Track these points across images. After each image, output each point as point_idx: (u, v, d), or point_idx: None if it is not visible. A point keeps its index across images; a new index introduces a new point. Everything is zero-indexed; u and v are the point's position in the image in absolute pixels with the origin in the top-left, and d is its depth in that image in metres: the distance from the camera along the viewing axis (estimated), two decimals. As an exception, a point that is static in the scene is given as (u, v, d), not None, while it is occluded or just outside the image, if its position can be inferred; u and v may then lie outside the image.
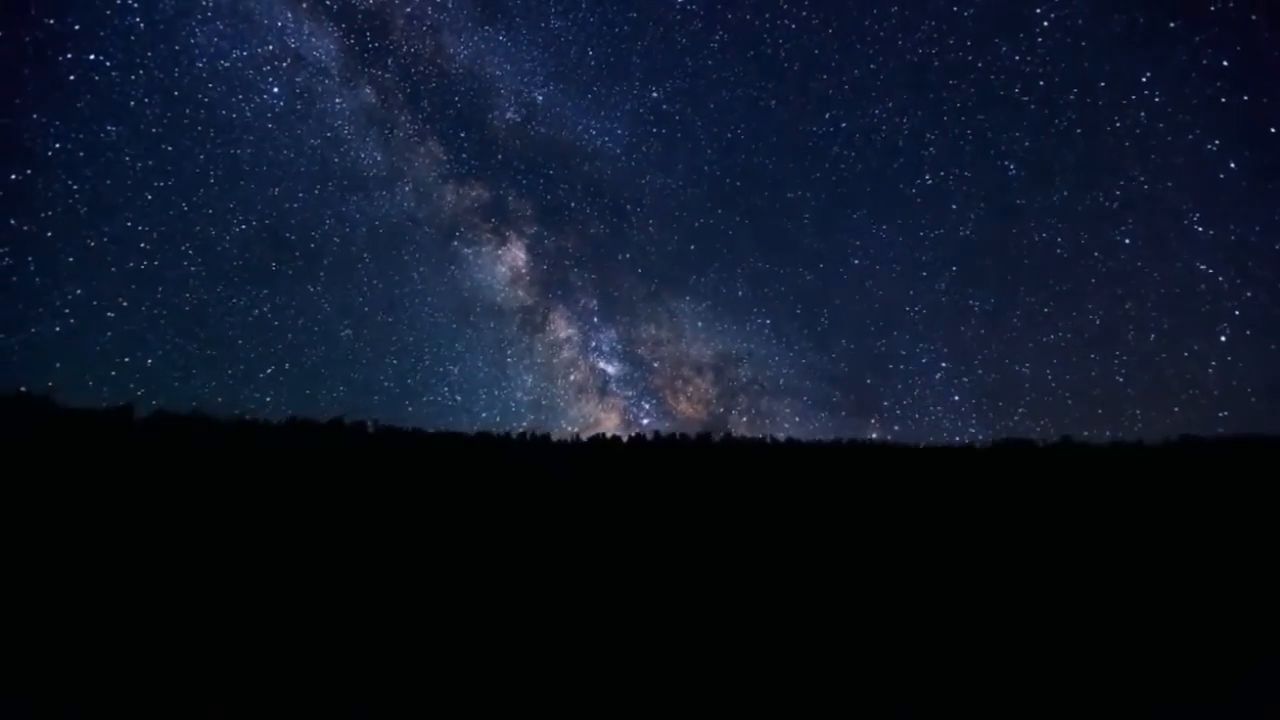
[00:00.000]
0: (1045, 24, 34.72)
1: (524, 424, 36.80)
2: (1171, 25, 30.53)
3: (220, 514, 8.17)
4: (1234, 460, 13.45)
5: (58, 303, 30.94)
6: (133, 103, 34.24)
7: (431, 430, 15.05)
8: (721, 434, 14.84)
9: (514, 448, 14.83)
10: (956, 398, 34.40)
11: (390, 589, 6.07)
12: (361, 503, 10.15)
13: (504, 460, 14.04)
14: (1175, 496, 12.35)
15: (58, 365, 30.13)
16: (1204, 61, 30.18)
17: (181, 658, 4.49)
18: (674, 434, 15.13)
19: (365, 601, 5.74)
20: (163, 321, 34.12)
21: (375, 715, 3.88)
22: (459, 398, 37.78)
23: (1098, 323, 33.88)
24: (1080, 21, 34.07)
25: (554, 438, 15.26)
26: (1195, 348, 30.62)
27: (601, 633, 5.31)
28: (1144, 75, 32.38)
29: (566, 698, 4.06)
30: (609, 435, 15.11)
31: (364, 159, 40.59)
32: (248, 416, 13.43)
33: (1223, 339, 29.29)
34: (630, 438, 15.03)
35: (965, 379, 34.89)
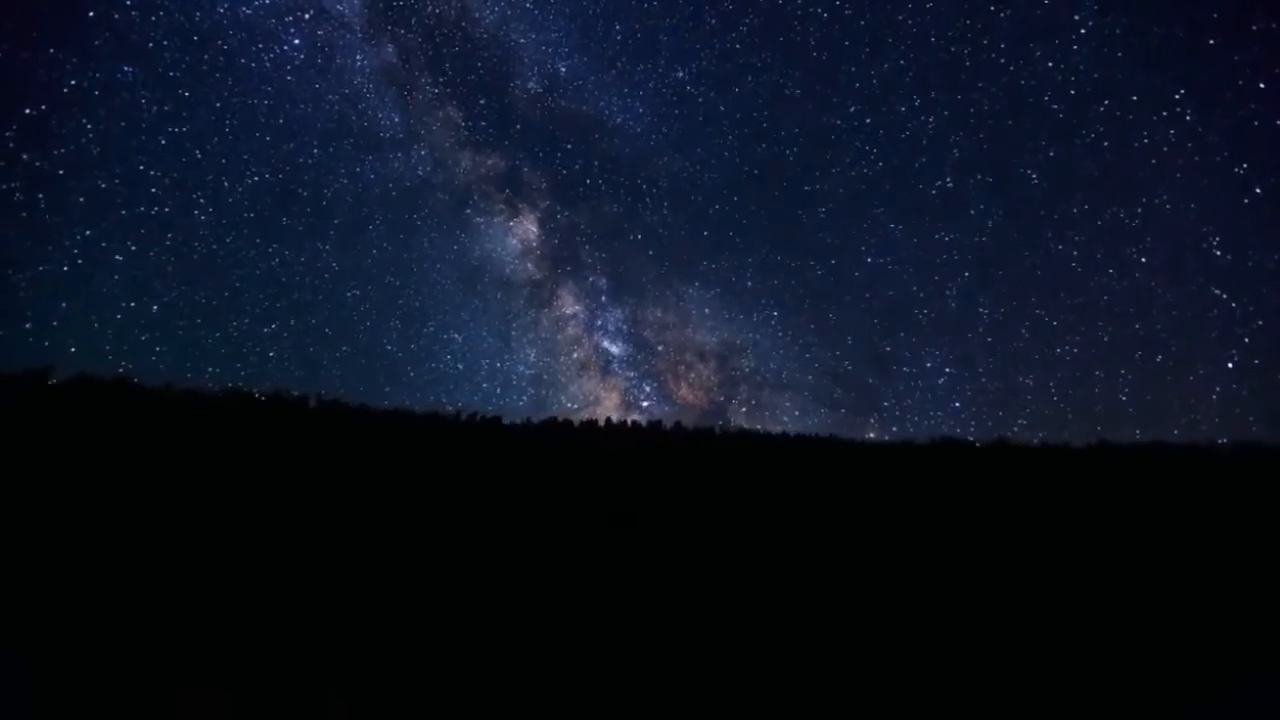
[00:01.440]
0: (1082, 31, 32.25)
1: (524, 398, 36.00)
2: (1211, 43, 28.48)
3: (139, 489, 7.81)
4: (1150, 463, 14.28)
5: (67, 242, 28.90)
6: (151, 44, 31.74)
7: (379, 408, 14.70)
8: (673, 424, 14.92)
9: (463, 429, 14.62)
10: (958, 404, 33.79)
11: (322, 571, 5.91)
12: (294, 479, 9.86)
13: (452, 441, 13.84)
14: (1094, 492, 13.03)
15: (63, 305, 28.29)
16: (1240, 82, 28.28)
17: (87, 627, 4.29)
18: (626, 421, 15.14)
19: (290, 578, 5.57)
20: (170, 268, 32.07)
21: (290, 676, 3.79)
22: (461, 366, 36.66)
23: (1106, 339, 32.58)
24: (1118, 32, 31.63)
25: (505, 421, 15.11)
26: (1201, 372, 29.48)
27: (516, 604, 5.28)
28: (1178, 92, 30.13)
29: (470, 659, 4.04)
30: (561, 419, 15.04)
31: (381, 119, 38.35)
32: (182, 386, 12.83)
33: (1230, 365, 28.24)
34: (582, 423, 15.00)
35: (968, 386, 34.06)
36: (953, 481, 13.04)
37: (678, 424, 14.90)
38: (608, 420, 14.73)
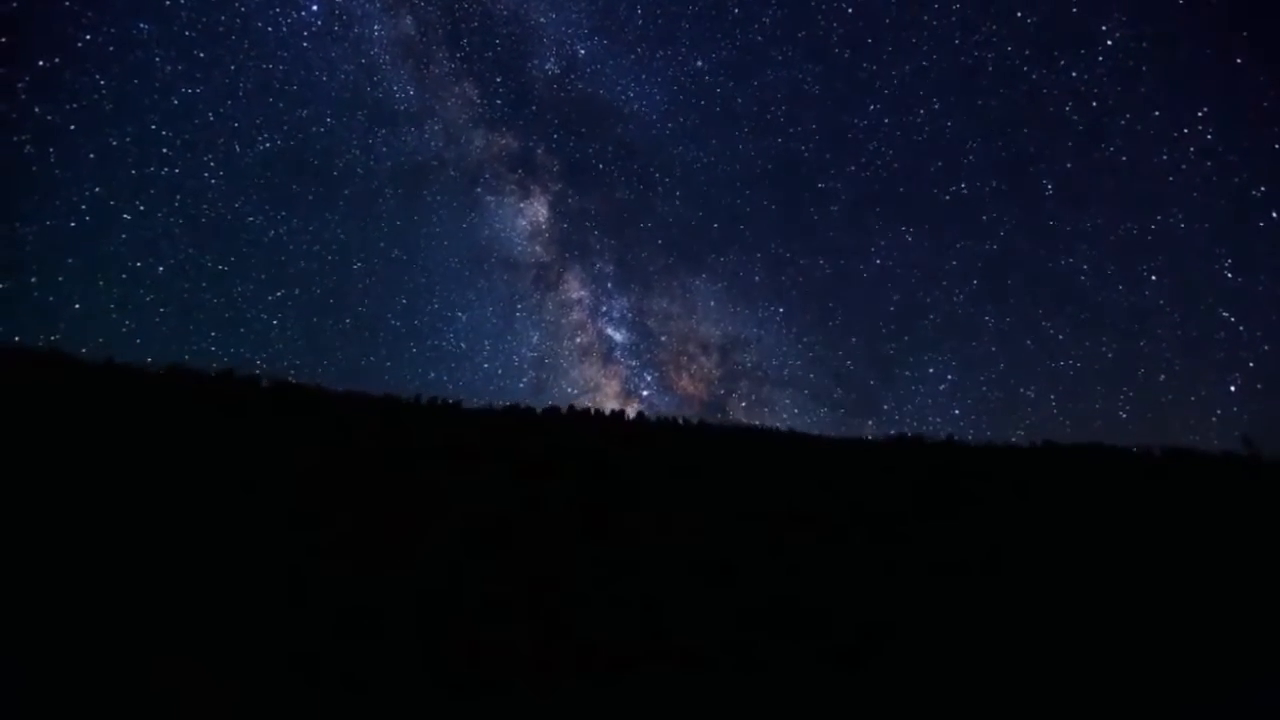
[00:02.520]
0: (1109, 43, 31.05)
1: (525, 380, 34.84)
2: (1238, 61, 27.85)
3: (52, 470, 7.46)
4: (1088, 464, 14.92)
5: (75, 198, 27.60)
6: (168, 1, 29.68)
7: (338, 390, 14.33)
8: (636, 410, 14.94)
9: (421, 413, 14.37)
10: (957, 411, 32.97)
11: (262, 556, 5.74)
12: (240, 461, 9.56)
13: (409, 425, 13.59)
14: (1037, 492, 13.55)
15: (70, 261, 26.94)
16: (1265, 104, 27.62)
17: None
18: (587, 408, 15.10)
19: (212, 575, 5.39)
20: (178, 230, 30.71)
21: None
22: (463, 345, 35.47)
23: (1110, 356, 31.79)
24: (1145, 45, 30.79)
25: (465, 405, 14.90)
26: (1202, 393, 29.11)
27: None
28: (1201, 110, 29.35)
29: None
30: (523, 405, 14.90)
31: (396, 92, 36.24)
32: (118, 359, 12.25)
33: (1232, 389, 27.93)
34: (544, 409, 14.89)
35: (969, 394, 33.16)
36: (910, 476, 13.40)
37: (640, 414, 14.96)
38: (570, 407, 14.69)
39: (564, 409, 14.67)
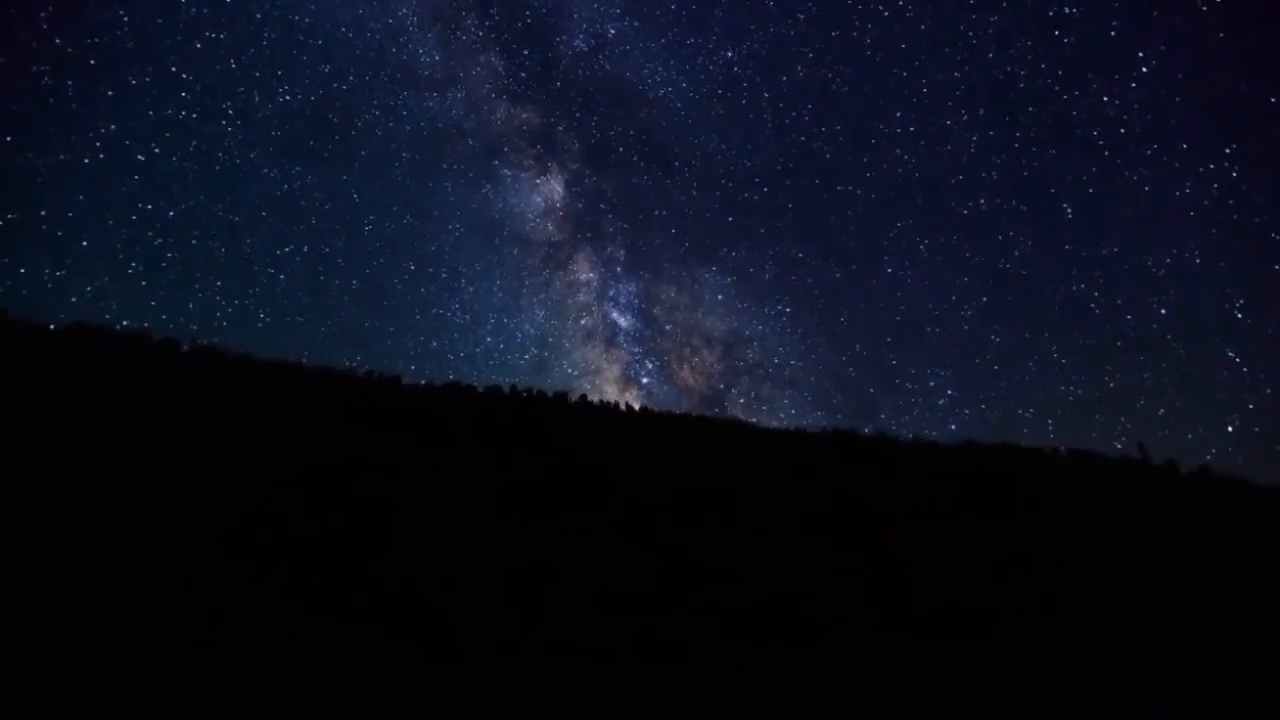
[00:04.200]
0: (1144, 70, 30.37)
1: (526, 357, 33.40)
2: (1272, 100, 26.97)
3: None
4: (1019, 462, 15.88)
5: (90, 134, 25.33)
6: None
7: (262, 358, 13.60)
8: (579, 397, 14.84)
9: (357, 385, 13.84)
10: (953, 427, 32.36)
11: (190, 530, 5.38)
12: (146, 429, 8.98)
13: (344, 399, 13.07)
14: (965, 487, 14.28)
15: (80, 198, 24.82)
16: None
17: None
18: (535, 391, 14.90)
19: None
20: (191, 176, 28.27)
21: None
22: (468, 316, 33.60)
23: (1111, 385, 30.97)
24: (1180, 76, 29.91)
25: (404, 381, 14.45)
26: (1200, 430, 28.65)
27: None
28: (1229, 146, 28.57)
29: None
30: (463, 384, 14.56)
31: (422, 56, 33.48)
32: (13, 314, 11.23)
33: (1229, 429, 27.51)
34: (486, 389, 14.61)
35: (967, 410, 32.42)
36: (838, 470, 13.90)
37: (583, 397, 14.89)
38: (512, 387, 14.47)
39: (507, 391, 14.44)
